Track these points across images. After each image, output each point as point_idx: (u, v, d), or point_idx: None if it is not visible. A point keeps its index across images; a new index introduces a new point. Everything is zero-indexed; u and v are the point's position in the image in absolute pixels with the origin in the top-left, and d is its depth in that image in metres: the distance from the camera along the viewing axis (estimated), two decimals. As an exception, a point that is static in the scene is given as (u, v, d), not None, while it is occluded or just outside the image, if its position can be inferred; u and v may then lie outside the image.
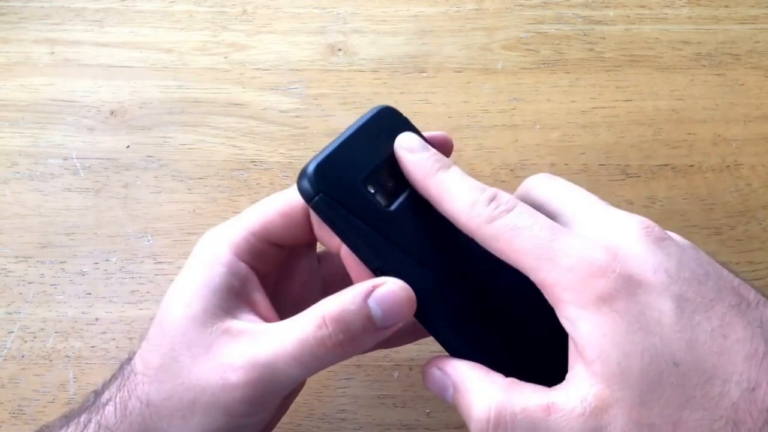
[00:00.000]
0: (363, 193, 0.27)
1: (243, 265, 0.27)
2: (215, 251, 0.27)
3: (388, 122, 0.29)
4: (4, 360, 0.37)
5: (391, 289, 0.25)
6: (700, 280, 0.23)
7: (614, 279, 0.23)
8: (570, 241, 0.24)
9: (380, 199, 0.28)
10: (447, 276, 0.28)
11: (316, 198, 0.26)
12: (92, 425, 0.25)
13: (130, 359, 0.27)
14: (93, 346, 0.37)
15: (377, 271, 0.27)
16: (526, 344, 0.27)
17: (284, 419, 0.36)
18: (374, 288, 0.25)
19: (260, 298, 0.27)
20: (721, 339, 0.22)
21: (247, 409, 0.24)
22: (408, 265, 0.27)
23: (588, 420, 0.22)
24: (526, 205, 0.25)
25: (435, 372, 0.26)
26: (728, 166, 0.41)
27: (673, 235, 0.26)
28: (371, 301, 0.25)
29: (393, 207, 0.28)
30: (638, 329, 0.22)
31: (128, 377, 0.26)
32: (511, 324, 0.28)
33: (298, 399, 0.37)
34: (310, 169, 0.26)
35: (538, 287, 0.25)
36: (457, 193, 0.26)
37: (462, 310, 0.27)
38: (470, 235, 0.26)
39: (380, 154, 0.28)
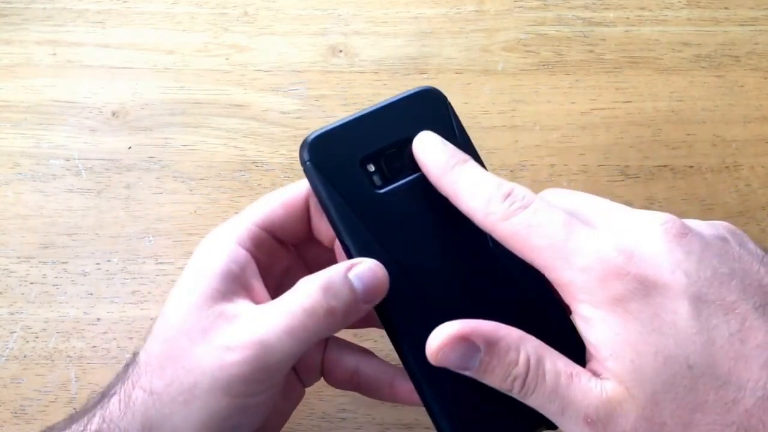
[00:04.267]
0: (355, 170, 0.28)
1: (243, 252, 0.27)
2: (217, 240, 0.28)
3: (426, 104, 0.29)
4: (7, 360, 0.37)
5: (368, 266, 0.26)
6: (722, 279, 0.23)
7: (629, 281, 0.23)
8: (585, 241, 0.24)
9: (376, 180, 0.28)
10: (415, 275, 0.27)
11: (305, 165, 0.27)
12: (96, 419, 0.25)
13: (134, 355, 0.27)
14: (94, 346, 0.38)
15: (346, 252, 0.27)
16: None
17: (285, 419, 0.36)
18: (352, 266, 0.26)
19: (258, 285, 0.28)
20: (739, 344, 0.22)
21: (245, 388, 0.25)
22: (373, 252, 0.27)
23: (603, 404, 0.22)
24: (543, 200, 0.25)
25: (458, 343, 0.24)
26: (727, 167, 0.42)
27: (699, 225, 0.25)
28: (351, 275, 0.26)
29: (383, 190, 0.28)
30: (652, 330, 0.22)
31: (132, 370, 0.26)
32: None
33: (299, 399, 0.37)
34: (310, 138, 0.28)
35: (554, 285, 0.25)
36: (472, 190, 0.26)
37: (426, 316, 0.26)
38: (487, 231, 0.25)
39: (400, 133, 0.28)
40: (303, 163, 0.28)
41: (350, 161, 0.28)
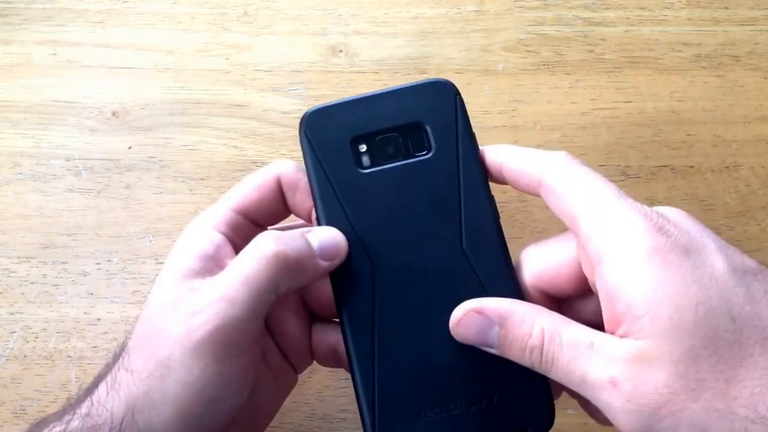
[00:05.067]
0: (344, 147, 0.28)
1: (218, 234, 0.28)
2: (193, 228, 0.29)
3: (434, 95, 0.29)
4: (7, 360, 0.37)
5: (326, 229, 0.27)
6: (739, 252, 0.24)
7: (669, 235, 0.23)
8: (632, 203, 0.25)
9: (365, 160, 0.28)
10: (376, 257, 0.27)
11: (299, 137, 0.29)
12: (86, 402, 0.26)
13: (123, 343, 0.28)
14: (95, 346, 0.38)
15: (318, 223, 0.28)
16: (455, 376, 0.26)
17: (285, 419, 0.37)
18: (310, 230, 0.27)
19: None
20: None
21: (213, 349, 0.25)
22: (340, 225, 0.27)
23: (630, 365, 0.22)
24: None
25: (472, 317, 0.26)
26: (727, 167, 0.42)
27: None
28: (308, 236, 0.27)
29: (367, 170, 0.28)
30: (693, 282, 0.22)
31: (119, 355, 0.27)
32: (442, 348, 0.26)
33: (299, 399, 0.37)
34: (309, 111, 0.29)
35: (582, 240, 0.25)
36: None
37: (377, 299, 0.26)
38: (540, 176, 0.27)
39: (398, 119, 0.29)
40: (299, 134, 0.29)
41: (341, 138, 0.28)
